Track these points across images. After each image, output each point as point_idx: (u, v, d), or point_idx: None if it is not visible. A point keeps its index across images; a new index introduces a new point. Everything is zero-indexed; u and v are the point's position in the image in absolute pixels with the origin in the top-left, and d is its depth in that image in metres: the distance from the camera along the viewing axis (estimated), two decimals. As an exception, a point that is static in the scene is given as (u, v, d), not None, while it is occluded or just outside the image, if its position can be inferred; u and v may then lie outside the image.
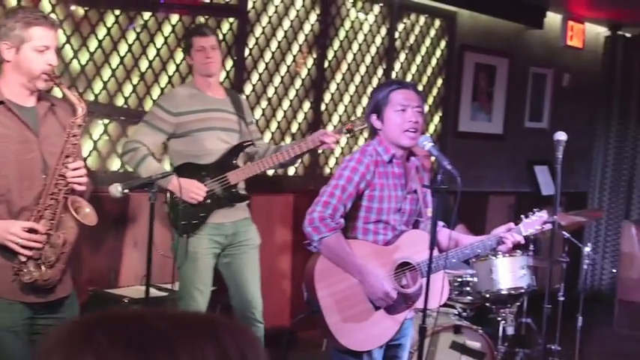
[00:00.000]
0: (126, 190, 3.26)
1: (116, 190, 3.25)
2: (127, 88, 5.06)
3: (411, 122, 3.27)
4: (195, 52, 4.25)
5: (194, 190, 4.08)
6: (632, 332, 7.08)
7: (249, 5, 5.61)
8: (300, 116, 6.08)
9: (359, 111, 6.38)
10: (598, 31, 8.55)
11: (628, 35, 8.48)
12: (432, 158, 4.43)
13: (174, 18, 5.21)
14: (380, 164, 3.30)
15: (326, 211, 3.19)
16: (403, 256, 3.32)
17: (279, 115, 5.94)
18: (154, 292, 4.60)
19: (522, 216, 3.54)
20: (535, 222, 3.50)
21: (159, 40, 5.16)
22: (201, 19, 5.31)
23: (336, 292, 3.24)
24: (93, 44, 4.85)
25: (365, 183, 3.26)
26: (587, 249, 5.22)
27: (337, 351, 3.32)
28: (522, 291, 4.85)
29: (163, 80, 5.20)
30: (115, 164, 4.99)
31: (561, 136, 3.71)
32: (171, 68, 5.23)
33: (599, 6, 7.70)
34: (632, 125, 8.39)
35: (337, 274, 3.24)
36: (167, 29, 5.19)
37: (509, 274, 4.81)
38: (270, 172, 5.90)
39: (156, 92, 5.13)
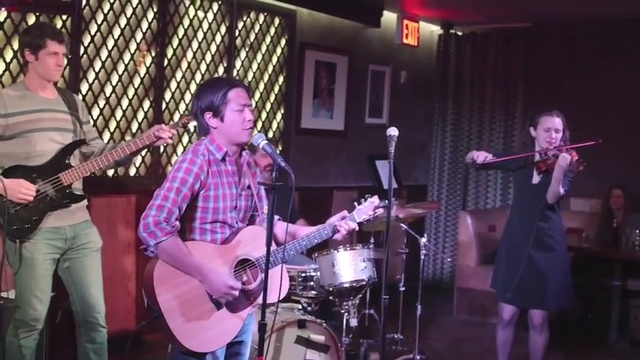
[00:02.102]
0: (-53, 196, 3.10)
1: (-63, 196, 3.09)
2: (-47, 89, 4.82)
3: (250, 121, 3.31)
4: (46, 56, 4.05)
5: (22, 191, 3.92)
6: (471, 317, 7.41)
7: (84, 2, 5.46)
8: (141, 115, 5.97)
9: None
10: (432, 30, 8.88)
11: (460, 33, 8.85)
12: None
13: (2, 14, 4.99)
14: (213, 163, 3.28)
15: (161, 215, 3.15)
16: (242, 253, 3.33)
17: (118, 114, 5.81)
18: (-15, 301, 4.42)
19: (355, 203, 3.59)
20: (367, 208, 3.57)
21: (-14, 38, 4.95)
22: (32, 17, 5.11)
23: (177, 295, 3.20)
24: None
25: (199, 184, 3.23)
26: (423, 240, 5.39)
27: (181, 353, 3.29)
28: (364, 283, 4.97)
29: (-8, 80, 4.99)
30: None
31: (393, 131, 3.81)
32: (1, 67, 5.02)
33: (432, 6, 8.00)
34: (466, 119, 8.78)
35: (177, 277, 3.20)
36: (-5, 26, 4.98)
37: (351, 267, 4.91)
38: (111, 173, 5.78)
39: (-15, 92, 4.91)
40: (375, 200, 3.58)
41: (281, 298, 3.41)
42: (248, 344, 3.57)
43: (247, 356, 3.59)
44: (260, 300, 3.30)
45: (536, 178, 5.02)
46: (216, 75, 6.50)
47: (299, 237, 3.49)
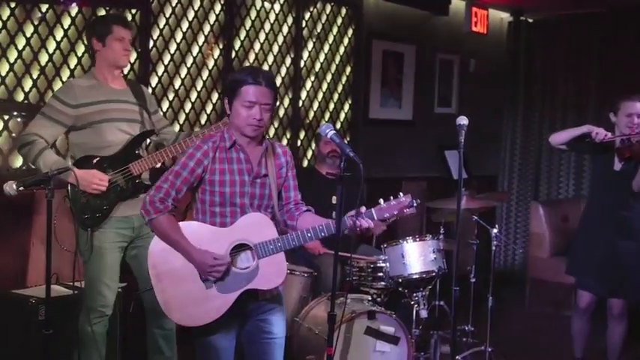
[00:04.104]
0: (21, 188, 3.16)
1: (11, 188, 3.15)
2: (27, 83, 4.92)
3: (255, 119, 3.33)
4: (114, 41, 4.15)
5: (95, 181, 3.99)
6: (543, 310, 7.27)
7: (152, -4, 5.54)
8: (209, 107, 6.01)
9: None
10: (502, 17, 8.72)
11: (530, 20, 8.68)
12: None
13: (74, 10, 5.08)
14: (222, 150, 3.39)
15: (157, 194, 3.34)
16: (240, 238, 3.37)
17: (187, 106, 5.87)
18: (61, 290, 4.51)
19: (381, 200, 3.45)
20: (393, 207, 3.43)
21: (58, 33, 5.03)
22: (102, 11, 5.19)
23: (169, 270, 3.36)
24: (-12, 39, 4.71)
25: (202, 168, 3.36)
26: (494, 230, 5.31)
27: (196, 338, 3.44)
28: (433, 274, 4.93)
29: (65, 74, 5.08)
30: (17, 161, 4.85)
31: (463, 120, 3.76)
32: (73, 61, 5.10)
33: (502, -8, 7.87)
34: (537, 108, 8.59)
35: (169, 254, 3.36)
36: (67, 21, 5.05)
37: (420, 258, 4.88)
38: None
39: (58, 86, 4.98)
40: (405, 200, 3.44)
41: (274, 287, 3.41)
42: (276, 322, 3.53)
43: (277, 335, 3.54)
44: (253, 285, 3.36)
45: (617, 165, 4.88)
46: (283, 67, 6.53)
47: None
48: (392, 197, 3.45)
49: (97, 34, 4.17)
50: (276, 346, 3.53)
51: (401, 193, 3.45)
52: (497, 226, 5.49)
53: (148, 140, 4.49)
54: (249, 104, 3.31)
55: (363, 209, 3.41)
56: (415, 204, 3.43)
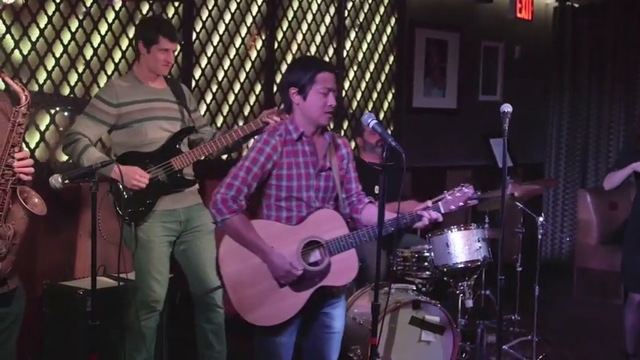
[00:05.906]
0: (66, 181, 3.20)
1: (56, 181, 3.19)
2: (73, 77, 4.97)
3: (332, 106, 3.33)
4: (158, 51, 4.19)
5: (136, 178, 4.04)
6: (591, 298, 7.19)
7: (195, -11, 5.56)
8: (252, 99, 6.03)
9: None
10: (547, 2, 8.60)
11: (576, 5, 8.54)
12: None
13: (118, 4, 5.13)
14: (289, 143, 3.35)
15: (229, 192, 3.26)
16: (311, 235, 3.33)
17: (231, 98, 5.89)
18: (108, 282, 4.58)
19: (445, 192, 3.46)
20: (457, 199, 3.44)
21: (103, 27, 5.08)
22: (146, 5, 5.23)
23: (241, 270, 3.30)
24: (34, 33, 4.76)
25: (272, 163, 3.31)
26: (540, 219, 5.25)
27: (258, 335, 3.40)
28: (479, 264, 4.89)
29: (110, 68, 5.13)
30: (63, 155, 4.90)
31: (507, 107, 3.72)
32: (117, 55, 5.15)
33: (547, -23, 7.74)
34: (584, 94, 8.46)
35: (241, 253, 3.30)
36: (111, 16, 5.10)
37: (465, 247, 4.84)
38: (224, 157, 5.86)
39: (103, 80, 5.05)
40: (468, 191, 3.45)
41: (346, 283, 3.41)
42: (336, 318, 3.54)
43: (337, 329, 3.56)
44: (326, 282, 3.33)
45: None
46: (326, 57, 6.51)
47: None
48: (454, 189, 3.47)
49: (144, 39, 4.22)
50: (334, 341, 3.54)
51: (463, 185, 3.45)
52: (543, 214, 5.43)
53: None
54: (327, 91, 3.30)
55: (429, 203, 3.43)
56: (477, 195, 3.45)
